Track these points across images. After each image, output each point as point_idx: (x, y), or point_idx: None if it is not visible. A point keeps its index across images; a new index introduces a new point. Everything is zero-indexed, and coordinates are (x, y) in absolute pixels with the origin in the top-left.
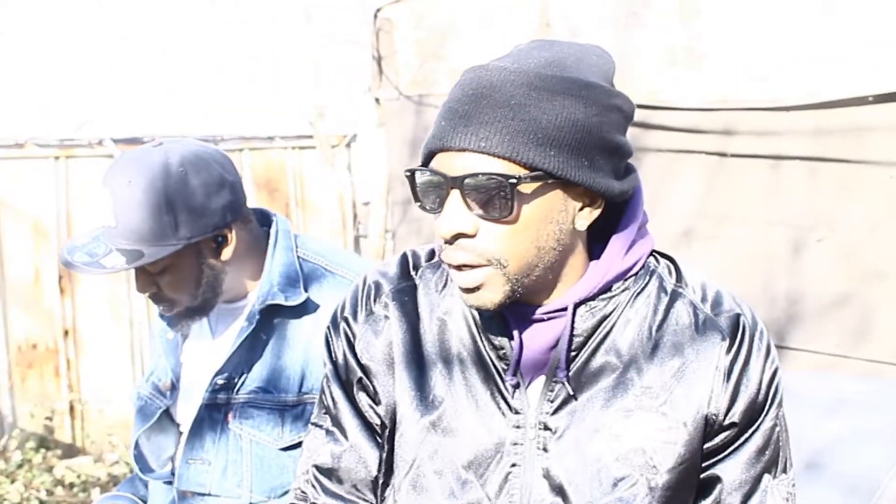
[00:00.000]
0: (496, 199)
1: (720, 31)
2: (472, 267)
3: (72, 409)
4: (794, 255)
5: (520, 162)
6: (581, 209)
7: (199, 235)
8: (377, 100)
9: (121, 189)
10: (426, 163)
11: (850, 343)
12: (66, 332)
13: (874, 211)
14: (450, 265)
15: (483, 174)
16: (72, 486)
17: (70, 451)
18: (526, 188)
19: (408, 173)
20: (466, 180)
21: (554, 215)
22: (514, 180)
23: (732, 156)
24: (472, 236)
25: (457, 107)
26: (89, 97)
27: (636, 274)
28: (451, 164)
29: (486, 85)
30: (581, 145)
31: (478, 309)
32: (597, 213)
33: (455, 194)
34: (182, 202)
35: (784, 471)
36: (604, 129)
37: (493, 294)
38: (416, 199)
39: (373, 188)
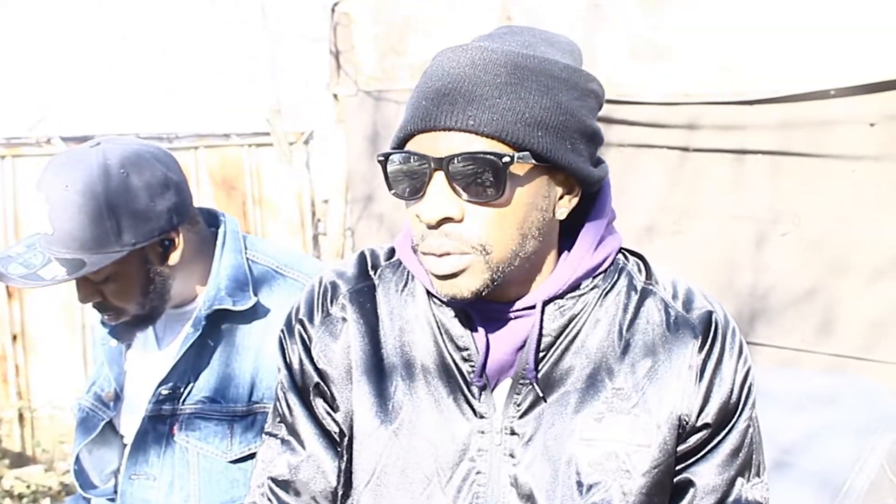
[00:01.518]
0: (486, 180)
1: (683, 24)
2: (452, 254)
3: (21, 416)
4: (758, 249)
5: (508, 142)
6: (561, 197)
7: (144, 241)
8: (335, 96)
9: (57, 194)
10: (400, 146)
11: (815, 337)
12: (15, 337)
13: (838, 205)
14: (429, 254)
15: (473, 153)
16: (21, 496)
17: (19, 461)
18: (517, 169)
19: (381, 158)
20: (454, 161)
21: (539, 201)
22: (507, 159)
23: (695, 150)
24: (459, 221)
25: (438, 85)
26: (42, 95)
27: (605, 271)
28: (433, 145)
29: (469, 63)
30: (565, 128)
31: (452, 299)
32: (575, 201)
33: (440, 177)
34: (125, 206)
35: (757, 474)
36: (583, 113)
37: (472, 282)
38: (390, 186)
39: (332, 185)
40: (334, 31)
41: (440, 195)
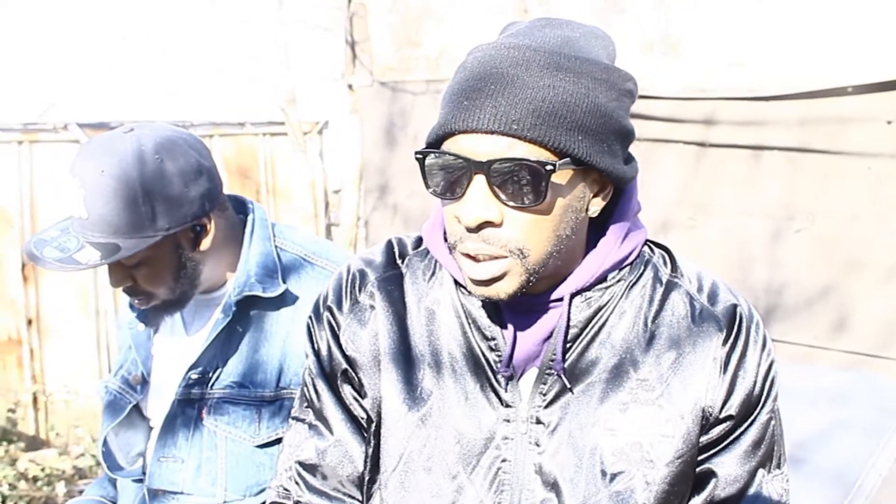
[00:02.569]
0: (527, 186)
1: (698, 19)
2: (490, 258)
3: (35, 400)
4: (773, 245)
5: (550, 147)
6: (595, 195)
7: (177, 226)
8: (350, 86)
9: (93, 179)
10: (437, 143)
11: (829, 334)
12: (30, 322)
13: (853, 202)
14: (467, 257)
15: (515, 160)
16: (35, 479)
17: (34, 444)
18: (558, 176)
19: (419, 156)
20: (495, 165)
21: (574, 203)
22: (550, 167)
23: (711, 145)
24: (498, 226)
25: (480, 85)
26: (55, 80)
27: (631, 263)
28: (473, 147)
29: (511, 63)
30: (603, 130)
31: (487, 300)
32: (607, 199)
33: (480, 180)
34: (159, 191)
35: (778, 465)
36: (620, 113)
37: (509, 285)
38: (427, 184)
39: (345, 176)
40: (350, 21)
41: (480, 199)
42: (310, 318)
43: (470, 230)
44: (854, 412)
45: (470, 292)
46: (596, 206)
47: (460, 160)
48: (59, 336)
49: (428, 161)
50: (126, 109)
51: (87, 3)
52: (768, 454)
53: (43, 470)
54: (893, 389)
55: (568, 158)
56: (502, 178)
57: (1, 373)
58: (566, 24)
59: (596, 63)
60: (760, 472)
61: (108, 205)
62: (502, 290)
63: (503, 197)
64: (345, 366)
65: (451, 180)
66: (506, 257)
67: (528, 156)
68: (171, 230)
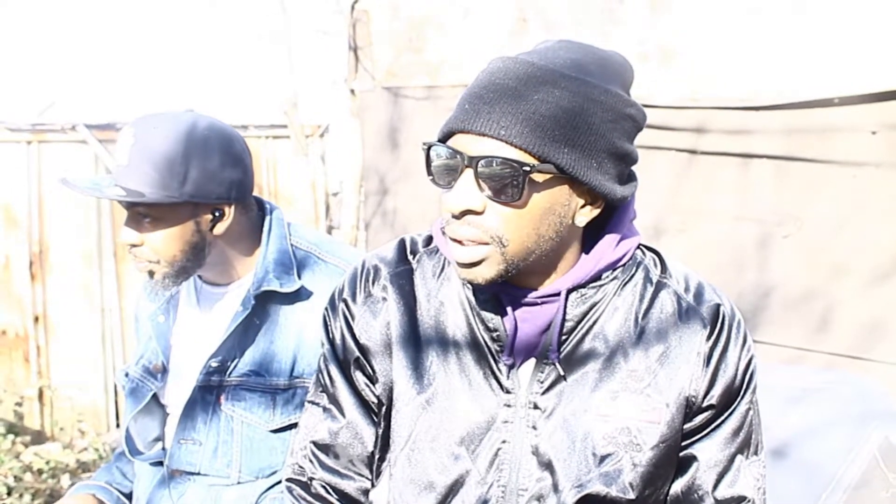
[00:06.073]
0: (508, 184)
1: (692, 30)
2: (474, 243)
3: (41, 395)
4: (762, 250)
5: (534, 154)
6: (582, 206)
7: (201, 198)
8: (352, 91)
9: (146, 132)
10: (444, 140)
11: (815, 337)
12: (37, 319)
13: (838, 209)
14: (453, 239)
15: (499, 158)
16: (40, 472)
17: (39, 438)
18: (537, 178)
19: (425, 146)
20: (482, 162)
21: (557, 208)
22: (527, 168)
23: (703, 153)
24: (480, 213)
25: (483, 93)
26: (59, 81)
27: (624, 265)
28: (469, 144)
29: (513, 77)
30: (593, 147)
31: (470, 283)
32: (596, 212)
33: (469, 173)
34: (198, 159)
35: (756, 453)
36: (616, 135)
37: (488, 271)
38: (429, 172)
39: (346, 179)
40: (353, 27)
41: (467, 189)
42: (326, 309)
43: (454, 216)
44: (837, 411)
45: (473, 286)
46: (584, 216)
47: (457, 155)
48: (64, 333)
49: (431, 152)
50: (130, 110)
51: (91, 4)
52: (746, 441)
53: (47, 463)
54: (875, 389)
55: (550, 165)
56: (487, 174)
57: (8, 368)
58: (583, 48)
59: (596, 86)
60: (739, 457)
61: (151, 156)
62: (480, 275)
63: (486, 190)
64: (357, 354)
65: (446, 171)
66: (487, 244)
67: (510, 157)
68: (194, 199)
